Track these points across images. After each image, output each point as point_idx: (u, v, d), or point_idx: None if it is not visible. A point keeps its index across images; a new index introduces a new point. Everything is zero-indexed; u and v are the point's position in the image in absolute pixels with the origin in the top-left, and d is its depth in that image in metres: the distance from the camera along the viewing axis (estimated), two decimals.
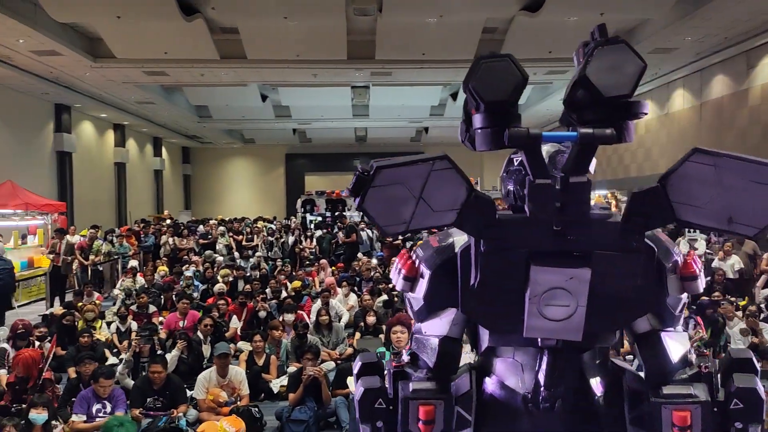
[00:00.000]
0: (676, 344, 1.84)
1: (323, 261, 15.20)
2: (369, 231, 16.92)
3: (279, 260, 16.49)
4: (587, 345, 1.84)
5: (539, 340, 1.78)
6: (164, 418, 5.69)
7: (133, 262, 15.05)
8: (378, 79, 18.39)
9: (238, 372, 6.63)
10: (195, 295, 11.72)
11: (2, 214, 14.79)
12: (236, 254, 17.66)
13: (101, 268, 14.39)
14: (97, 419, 5.76)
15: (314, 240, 18.51)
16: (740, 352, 1.92)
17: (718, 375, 1.87)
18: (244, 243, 18.09)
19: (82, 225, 19.39)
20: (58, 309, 10.70)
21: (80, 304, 10.03)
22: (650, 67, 16.72)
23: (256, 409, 6.09)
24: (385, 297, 10.05)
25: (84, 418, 5.74)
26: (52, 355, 6.63)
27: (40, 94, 19.13)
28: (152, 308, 10.30)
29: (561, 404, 1.84)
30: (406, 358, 1.94)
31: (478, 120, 1.67)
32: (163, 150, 31.17)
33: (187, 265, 14.89)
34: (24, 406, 5.60)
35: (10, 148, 18.13)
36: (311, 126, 27.83)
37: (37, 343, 7.20)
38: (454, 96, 22.29)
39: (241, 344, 8.63)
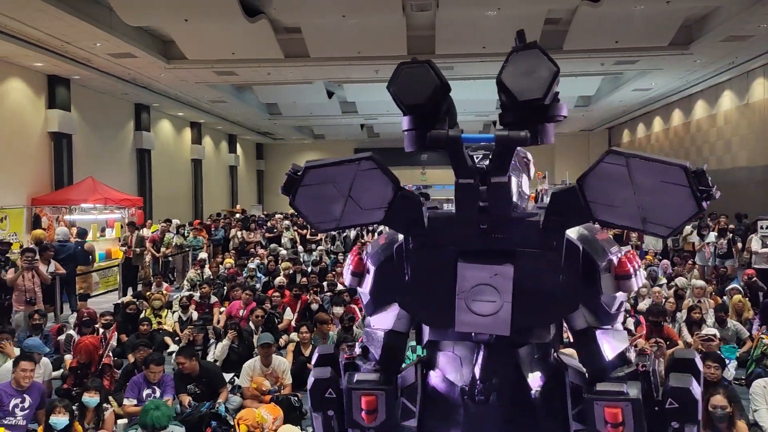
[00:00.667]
0: (613, 342, 1.85)
1: None
2: None
3: (341, 254, 16.84)
4: (520, 340, 1.87)
5: (473, 334, 1.82)
6: (207, 404, 5.98)
7: (203, 255, 15.69)
8: None
9: (281, 362, 6.86)
10: (257, 286, 12.13)
11: (83, 208, 15.81)
12: (300, 248, 18.13)
13: (172, 260, 15.11)
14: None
15: (376, 234, 18.70)
16: (684, 353, 1.92)
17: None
18: (308, 237, 18.53)
19: (159, 219, 20.41)
20: (128, 298, 11.34)
21: (148, 293, 10.59)
22: (725, 56, 16.09)
23: (296, 398, 6.30)
24: None
25: (135, 401, 6.11)
26: (112, 342, 7.08)
27: (121, 94, 20.23)
28: (214, 299, 10.75)
29: (496, 397, 1.86)
30: (358, 350, 2.00)
31: (404, 122, 1.73)
32: (238, 146, 32.23)
33: (252, 258, 15.44)
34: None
35: (94, 147, 19.27)
36: (378, 121, 28.09)
37: (101, 330, 7.69)
38: None
39: (293, 335, 8.89)
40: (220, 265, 13.84)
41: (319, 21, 13.92)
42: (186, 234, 16.45)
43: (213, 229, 17.88)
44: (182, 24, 13.57)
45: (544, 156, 29.20)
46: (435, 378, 1.97)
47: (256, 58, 16.16)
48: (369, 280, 1.93)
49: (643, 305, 9.00)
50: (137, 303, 9.72)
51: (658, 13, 13.32)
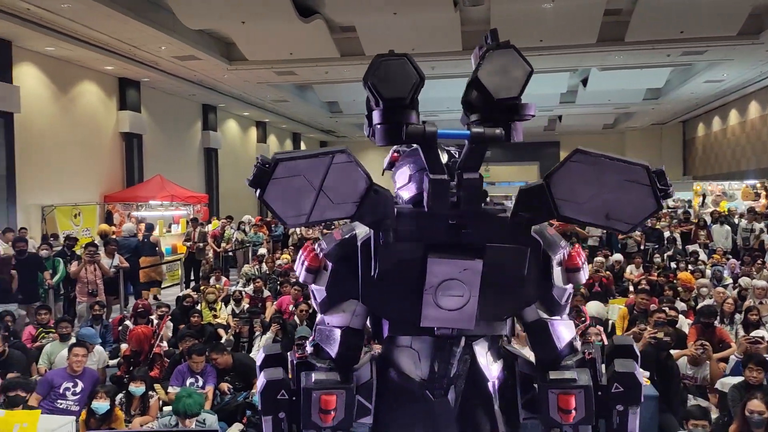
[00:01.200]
0: (563, 331, 1.89)
1: None
2: None
3: None
4: (480, 333, 1.89)
5: (435, 329, 1.83)
6: (243, 394, 6.18)
7: (262, 250, 16.12)
8: None
9: None
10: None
11: (151, 204, 16.55)
12: None
13: (233, 255, 15.60)
14: None
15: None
16: (622, 339, 2.03)
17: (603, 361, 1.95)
18: None
19: (226, 215, 21.12)
20: (187, 291, 11.80)
21: (203, 287, 10.99)
22: None
23: None
24: None
25: (178, 389, 6.38)
26: (163, 332, 7.42)
27: (188, 95, 21.02)
28: (266, 293, 11.04)
29: (454, 390, 1.88)
30: (309, 349, 1.98)
31: (376, 116, 1.72)
32: (302, 144, 32.85)
33: None
34: None
35: (163, 146, 20.12)
36: (437, 118, 27.92)
37: (154, 321, 8.06)
38: (585, 82, 21.38)
39: None
40: (276, 261, 14.17)
41: (372, 19, 14.02)
42: (246, 230, 16.92)
43: (273, 225, 18.32)
44: (240, 26, 13.99)
45: (614, 151, 28.31)
46: (392, 373, 1.97)
47: (313, 57, 16.45)
48: (325, 276, 1.91)
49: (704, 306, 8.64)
50: (194, 296, 10.11)
51: (724, 1, 12.70)
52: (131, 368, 7.03)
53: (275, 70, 17.77)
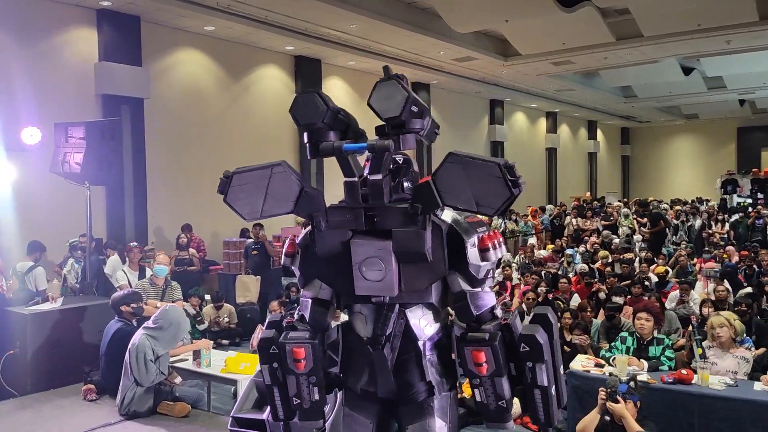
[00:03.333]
0: (481, 301, 2.31)
1: (730, 248, 13.88)
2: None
3: (683, 243, 15.70)
4: (409, 301, 2.36)
5: (372, 297, 2.36)
6: None
7: (532, 240, 16.52)
8: None
9: None
10: (558, 273, 12.47)
11: None
12: (638, 237, 17.40)
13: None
14: None
15: (726, 225, 16.77)
16: (539, 309, 2.43)
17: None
18: (648, 228, 17.64)
19: (519, 206, 21.89)
20: None
21: None
22: None
23: None
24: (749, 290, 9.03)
25: None
26: None
27: (474, 93, 22.29)
28: (515, 280, 11.53)
29: (390, 346, 2.37)
30: (297, 316, 2.58)
31: (304, 137, 2.36)
32: (599, 132, 31.79)
33: (579, 245, 15.65)
34: None
35: (450, 142, 21.72)
36: (756, 95, 24.51)
37: None
38: None
39: None
40: (537, 250, 14.46)
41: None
42: (517, 220, 17.45)
43: (541, 215, 18.49)
44: (505, 24, 14.57)
45: None
46: (350, 334, 2.53)
47: (587, 45, 16.16)
48: (297, 259, 2.54)
49: None
50: None
51: None
52: None
53: (551, 61, 17.87)
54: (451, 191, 2.13)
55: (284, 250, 2.59)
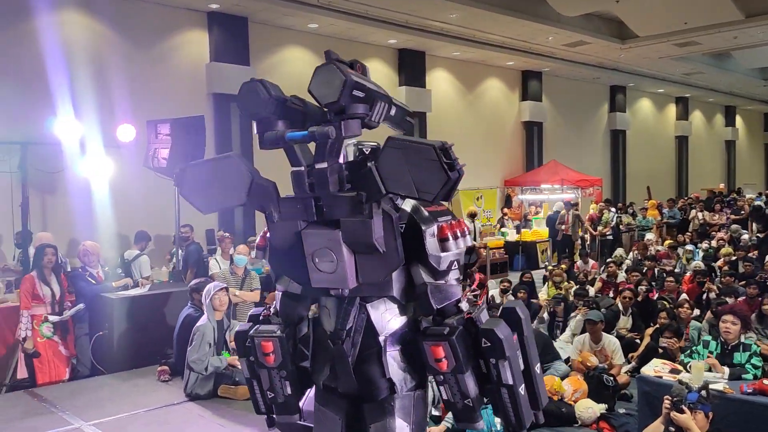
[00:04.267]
0: (443, 293, 2.20)
1: None
2: None
3: None
4: (369, 294, 2.24)
5: (330, 289, 2.27)
6: None
7: (650, 236, 15.47)
8: None
9: (611, 341, 6.86)
10: (676, 271, 11.60)
11: (541, 188, 17.59)
12: None
13: (616, 239, 15.46)
14: None
15: None
16: (510, 303, 2.32)
17: None
18: None
19: (634, 197, 20.71)
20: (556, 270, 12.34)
21: (550, 267, 11.45)
22: None
23: (611, 378, 6.31)
24: None
25: None
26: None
27: (592, 79, 21.20)
28: (621, 277, 10.86)
29: (351, 341, 2.26)
30: (273, 310, 2.53)
31: (253, 127, 2.28)
32: (737, 118, 29.14)
33: (705, 241, 14.49)
34: None
35: (564, 131, 20.87)
36: None
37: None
38: None
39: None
40: (652, 246, 13.52)
41: None
42: (635, 213, 16.42)
43: (667, 209, 17.24)
44: (616, 5, 13.71)
45: None
46: (318, 327, 2.44)
47: (712, 24, 14.84)
48: (267, 253, 2.46)
49: None
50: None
51: None
52: None
53: (674, 43, 16.60)
54: (393, 177, 2.03)
55: (256, 242, 2.56)
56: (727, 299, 8.06)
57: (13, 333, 6.22)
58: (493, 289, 10.20)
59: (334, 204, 2.15)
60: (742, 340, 5.03)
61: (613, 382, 6.32)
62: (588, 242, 14.75)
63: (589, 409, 5.80)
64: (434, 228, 2.18)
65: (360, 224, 2.10)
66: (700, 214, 16.83)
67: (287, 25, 13.59)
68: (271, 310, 2.56)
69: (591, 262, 12.74)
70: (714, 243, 14.21)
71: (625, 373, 6.85)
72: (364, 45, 15.19)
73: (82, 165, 8.10)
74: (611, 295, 9.70)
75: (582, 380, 6.24)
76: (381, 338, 2.30)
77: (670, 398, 4.14)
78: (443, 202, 2.22)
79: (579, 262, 12.60)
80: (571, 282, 10.70)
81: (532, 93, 19.54)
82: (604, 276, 11.09)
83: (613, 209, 16.37)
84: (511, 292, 9.44)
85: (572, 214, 14.28)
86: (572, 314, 8.25)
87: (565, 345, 7.67)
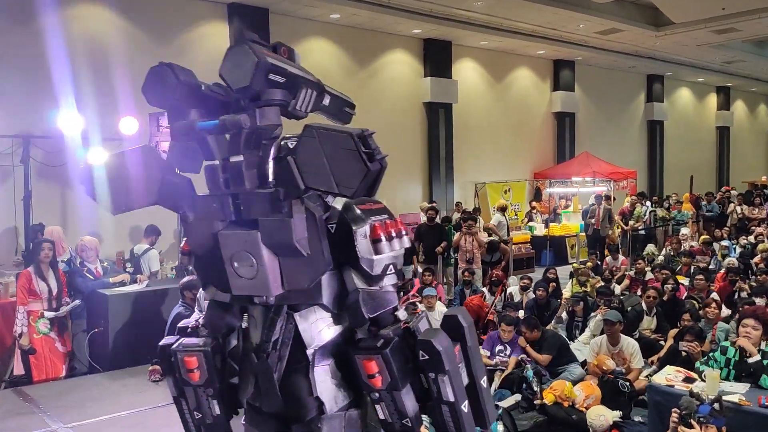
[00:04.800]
0: (379, 301, 1.96)
1: None
2: None
3: None
4: (298, 302, 2.00)
5: (254, 297, 2.00)
6: (530, 367, 6.26)
7: (685, 230, 14.84)
8: None
9: (630, 344, 6.47)
10: (710, 267, 11.06)
11: (573, 181, 17.06)
12: None
13: (649, 233, 14.89)
14: (497, 358, 6.86)
15: None
16: (452, 311, 2.07)
17: None
18: None
19: (672, 190, 19.95)
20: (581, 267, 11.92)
21: (575, 264, 11.03)
22: None
23: (627, 383, 5.94)
24: None
25: (488, 353, 6.92)
26: (497, 301, 8.04)
27: (627, 68, 20.49)
28: (649, 275, 10.39)
29: (277, 353, 2.01)
30: (201, 321, 2.24)
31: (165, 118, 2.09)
32: None
33: (746, 236, 13.86)
34: None
35: (597, 122, 20.24)
36: None
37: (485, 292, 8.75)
38: None
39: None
40: (686, 241, 12.95)
41: None
42: (669, 207, 15.79)
43: (705, 203, 16.53)
44: None
45: None
46: (247, 339, 2.16)
47: (750, 9, 14.10)
48: (192, 258, 2.19)
49: None
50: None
51: None
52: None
53: (712, 29, 15.86)
54: (311, 170, 1.80)
55: (181, 247, 2.28)
56: (757, 300, 7.57)
57: (11, 329, 6.17)
58: (515, 286, 9.86)
59: (251, 202, 1.90)
60: (763, 347, 4.61)
61: (629, 387, 5.97)
62: (619, 238, 14.23)
63: (601, 416, 5.45)
64: (366, 228, 1.93)
65: (279, 224, 1.86)
66: (738, 208, 16.10)
67: (309, 16, 13.39)
68: (201, 320, 2.34)
69: (621, 258, 12.26)
70: (752, 238, 13.58)
71: (645, 377, 6.45)
72: (387, 35, 14.91)
73: (84, 158, 8.02)
74: (639, 293, 9.27)
75: (595, 385, 5.89)
76: (309, 351, 2.05)
77: (678, 411, 3.80)
78: (379, 200, 1.98)
79: (608, 258, 12.14)
80: (598, 279, 10.30)
81: (564, 83, 18.97)
82: (632, 273, 10.64)
83: (649, 203, 15.74)
84: (531, 289, 9.12)
85: (603, 207, 13.77)
86: (592, 314, 7.86)
87: (583, 347, 7.30)
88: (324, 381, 2.04)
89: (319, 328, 2.06)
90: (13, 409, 4.71)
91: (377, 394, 1.94)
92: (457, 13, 13.98)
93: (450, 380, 1.91)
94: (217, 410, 2.18)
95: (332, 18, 13.55)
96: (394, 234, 1.96)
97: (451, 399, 1.92)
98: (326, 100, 2.02)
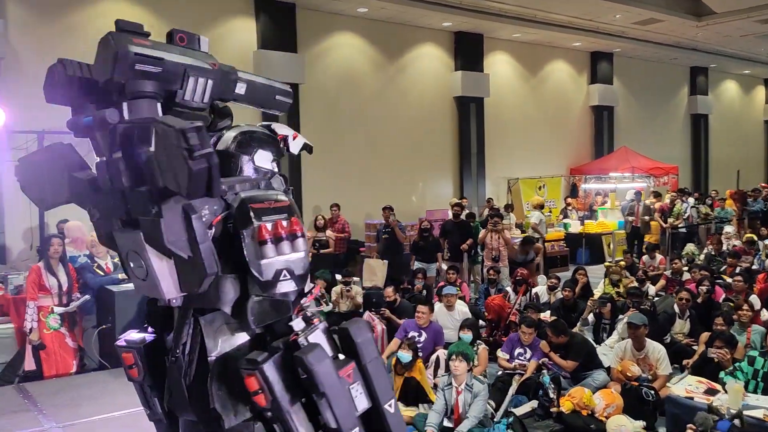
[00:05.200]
0: (271, 309, 1.85)
1: None
2: None
3: None
4: (201, 305, 1.89)
5: (167, 299, 1.89)
6: (550, 374, 5.96)
7: (728, 228, 14.20)
8: None
9: (656, 348, 6.10)
10: (754, 267, 10.51)
11: (610, 177, 16.53)
12: None
13: (691, 231, 14.30)
14: (516, 361, 6.58)
15: None
16: (348, 323, 1.98)
17: None
18: None
19: (718, 186, 19.20)
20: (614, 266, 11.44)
21: (607, 263, 10.60)
22: None
23: (651, 392, 5.59)
24: None
25: (507, 356, 6.65)
26: (518, 301, 7.75)
27: (669, 60, 19.78)
28: (687, 276, 9.92)
29: (185, 357, 1.92)
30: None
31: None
32: None
33: None
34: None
35: (637, 116, 19.59)
36: None
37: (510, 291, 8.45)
38: None
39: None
40: (731, 240, 12.35)
41: None
42: (711, 204, 15.13)
43: (751, 199, 15.79)
44: None
45: None
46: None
47: None
48: None
49: None
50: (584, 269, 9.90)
51: None
52: (493, 332, 7.67)
53: (755, 19, 15.12)
54: (165, 168, 1.65)
55: None
56: None
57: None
58: (542, 286, 9.53)
59: (132, 200, 1.80)
60: None
61: (654, 396, 5.62)
62: (659, 235, 13.67)
63: (621, 426, 5.15)
64: (252, 229, 1.79)
65: (151, 224, 1.75)
66: None
67: (336, 10, 13.25)
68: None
69: (659, 257, 11.74)
70: None
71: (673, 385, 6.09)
72: (417, 29, 14.67)
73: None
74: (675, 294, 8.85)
75: (617, 394, 5.58)
76: (211, 359, 1.90)
77: (693, 428, 3.51)
78: (281, 196, 1.85)
79: (645, 257, 11.66)
80: (632, 279, 9.88)
81: (602, 75, 18.40)
82: (668, 273, 10.18)
83: (691, 199, 15.11)
84: (559, 289, 8.80)
85: (642, 204, 13.25)
86: (620, 316, 7.49)
87: (608, 351, 6.95)
88: (220, 392, 1.89)
89: (225, 335, 1.91)
90: (8, 407, 4.70)
91: (270, 414, 1.82)
92: (488, 5, 13.66)
93: (329, 403, 1.76)
94: (160, 408, 2.09)
95: (360, 12, 13.38)
96: (284, 236, 1.81)
97: (332, 425, 1.77)
98: (240, 89, 1.93)
